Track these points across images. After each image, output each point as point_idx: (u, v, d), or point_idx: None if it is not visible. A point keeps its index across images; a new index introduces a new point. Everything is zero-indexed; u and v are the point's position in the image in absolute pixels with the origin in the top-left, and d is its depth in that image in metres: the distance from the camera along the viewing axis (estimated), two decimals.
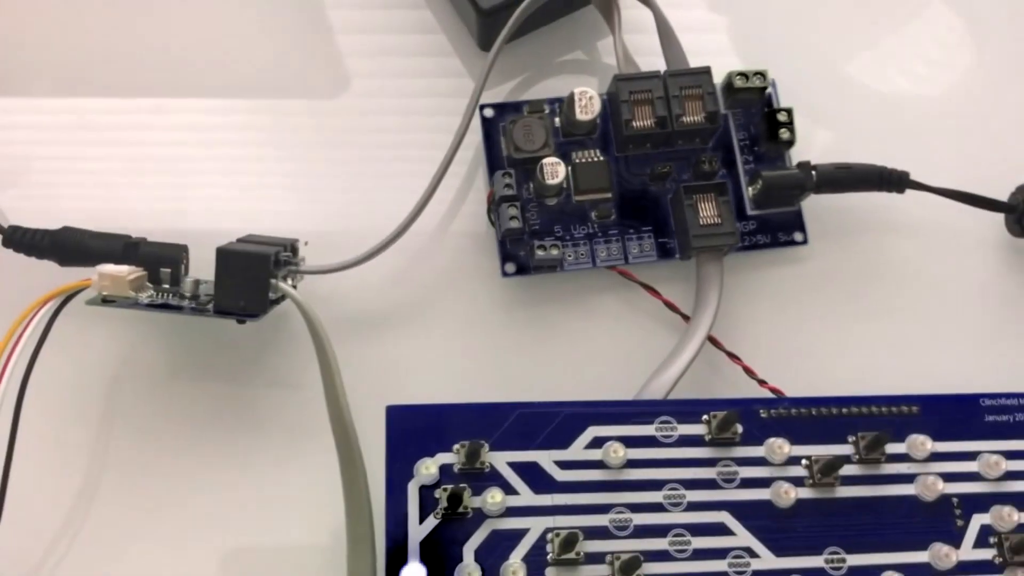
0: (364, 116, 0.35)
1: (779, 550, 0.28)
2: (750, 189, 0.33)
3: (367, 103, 0.35)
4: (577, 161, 0.33)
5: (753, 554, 0.28)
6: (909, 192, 0.33)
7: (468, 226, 0.34)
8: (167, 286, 0.30)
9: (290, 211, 0.34)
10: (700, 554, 0.27)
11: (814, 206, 0.34)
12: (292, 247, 0.31)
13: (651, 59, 0.34)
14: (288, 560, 0.30)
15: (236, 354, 0.32)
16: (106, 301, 0.29)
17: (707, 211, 0.32)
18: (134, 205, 0.34)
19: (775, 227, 0.33)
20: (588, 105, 0.32)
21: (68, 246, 0.31)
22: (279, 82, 0.35)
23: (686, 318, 0.32)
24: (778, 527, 0.28)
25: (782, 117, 0.33)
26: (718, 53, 0.36)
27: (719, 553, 0.27)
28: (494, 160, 0.33)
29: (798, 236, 0.34)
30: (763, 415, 0.29)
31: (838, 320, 0.33)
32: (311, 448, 0.31)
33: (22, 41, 0.35)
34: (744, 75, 0.33)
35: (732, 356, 0.32)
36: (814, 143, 0.35)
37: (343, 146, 0.35)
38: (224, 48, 0.35)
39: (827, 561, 0.28)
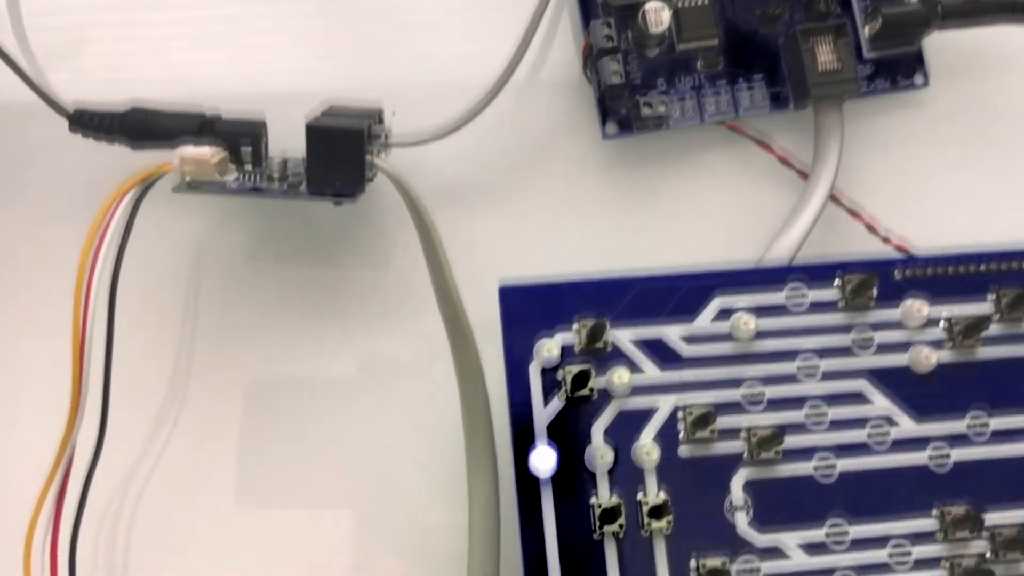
0: None
1: (919, 417, 0.26)
2: (867, 28, 0.31)
3: None
4: (679, 6, 0.30)
5: (892, 422, 0.26)
6: None
7: (558, 81, 0.31)
8: (250, 167, 0.28)
9: (363, 73, 0.31)
10: (837, 425, 0.26)
11: (931, 45, 0.31)
12: (379, 117, 0.28)
13: None
14: (396, 448, 0.29)
15: (319, 234, 0.31)
16: (192, 186, 0.27)
17: (826, 55, 0.29)
18: (199, 75, 0.31)
19: (893, 70, 0.31)
20: None
21: (139, 126, 0.28)
22: None
23: (802, 174, 0.30)
24: (917, 393, 0.27)
25: None
26: None
27: (857, 423, 0.26)
28: (588, 7, 0.30)
29: (918, 79, 0.31)
30: (897, 275, 0.27)
31: (964, 169, 0.31)
32: (411, 330, 0.30)
33: None
34: None
35: (852, 213, 0.30)
36: None
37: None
38: None
39: (969, 426, 0.26)
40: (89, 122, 0.29)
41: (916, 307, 0.27)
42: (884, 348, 0.27)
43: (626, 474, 0.26)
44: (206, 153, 0.27)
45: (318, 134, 0.26)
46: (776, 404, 0.26)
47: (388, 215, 0.30)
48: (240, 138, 0.28)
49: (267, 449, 0.30)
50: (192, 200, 0.30)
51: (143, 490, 0.30)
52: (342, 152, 0.26)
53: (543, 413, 0.26)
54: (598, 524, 0.25)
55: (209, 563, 0.29)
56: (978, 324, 0.26)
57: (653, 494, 0.25)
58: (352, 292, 0.30)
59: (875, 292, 0.27)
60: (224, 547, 0.29)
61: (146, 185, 0.27)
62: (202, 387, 0.30)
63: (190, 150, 0.27)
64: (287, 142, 0.28)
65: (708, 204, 0.31)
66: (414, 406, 0.30)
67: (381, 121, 0.28)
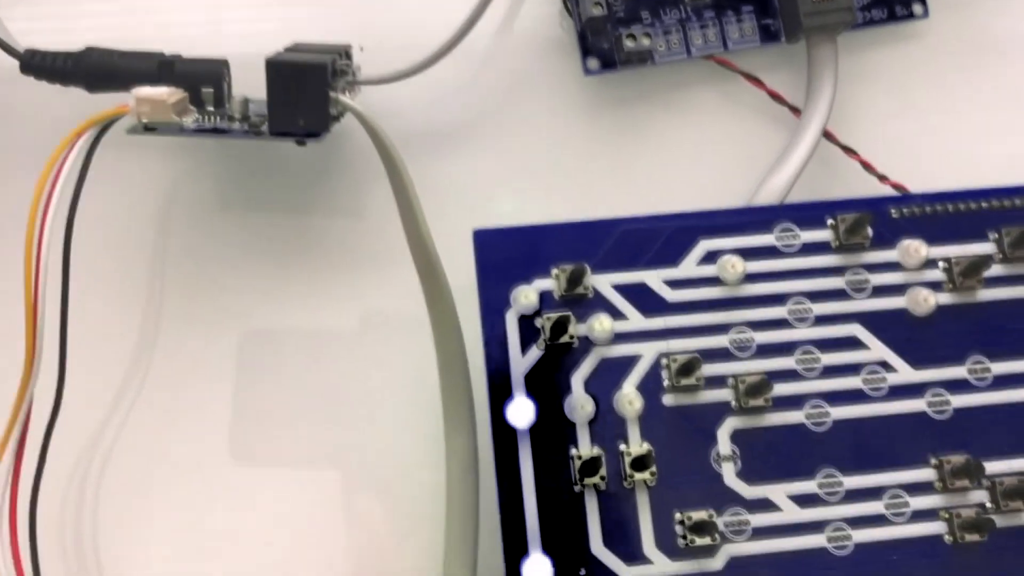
0: None
1: (917, 362, 0.25)
2: None
3: None
4: None
5: (889, 368, 0.25)
6: None
7: (536, 22, 0.30)
8: (211, 108, 0.26)
9: (331, 20, 0.30)
10: (831, 371, 0.25)
11: None
12: (346, 54, 0.27)
13: None
14: (375, 402, 0.28)
15: (289, 180, 0.29)
16: (148, 128, 0.25)
17: None
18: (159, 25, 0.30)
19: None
20: None
21: (95, 68, 0.27)
22: None
23: (795, 110, 0.29)
24: (915, 337, 0.25)
25: None
26: None
27: (852, 369, 0.25)
28: None
29: (917, 8, 0.29)
30: (894, 214, 0.26)
31: (965, 103, 0.30)
32: (385, 280, 0.29)
33: None
34: None
35: (848, 150, 0.29)
36: None
37: None
38: None
39: (970, 371, 0.25)
40: (42, 63, 0.27)
41: (914, 247, 0.25)
42: (880, 291, 0.25)
43: (608, 425, 0.24)
44: (163, 93, 0.25)
45: (279, 70, 0.25)
46: (765, 350, 0.25)
47: (360, 161, 0.29)
48: (201, 80, 0.26)
49: (239, 403, 0.29)
50: (157, 148, 0.29)
51: (112, 447, 0.29)
52: (305, 89, 0.25)
53: (521, 362, 0.25)
54: (579, 476, 0.24)
55: (180, 520, 0.28)
56: (979, 264, 0.25)
57: (636, 445, 0.24)
58: (325, 242, 0.29)
59: (870, 232, 0.25)
60: (194, 504, 0.28)
61: (101, 127, 0.26)
62: (170, 342, 0.29)
63: (146, 90, 0.25)
64: (249, 90, 0.26)
65: (696, 143, 0.29)
66: (390, 358, 0.29)
67: (349, 58, 0.27)
